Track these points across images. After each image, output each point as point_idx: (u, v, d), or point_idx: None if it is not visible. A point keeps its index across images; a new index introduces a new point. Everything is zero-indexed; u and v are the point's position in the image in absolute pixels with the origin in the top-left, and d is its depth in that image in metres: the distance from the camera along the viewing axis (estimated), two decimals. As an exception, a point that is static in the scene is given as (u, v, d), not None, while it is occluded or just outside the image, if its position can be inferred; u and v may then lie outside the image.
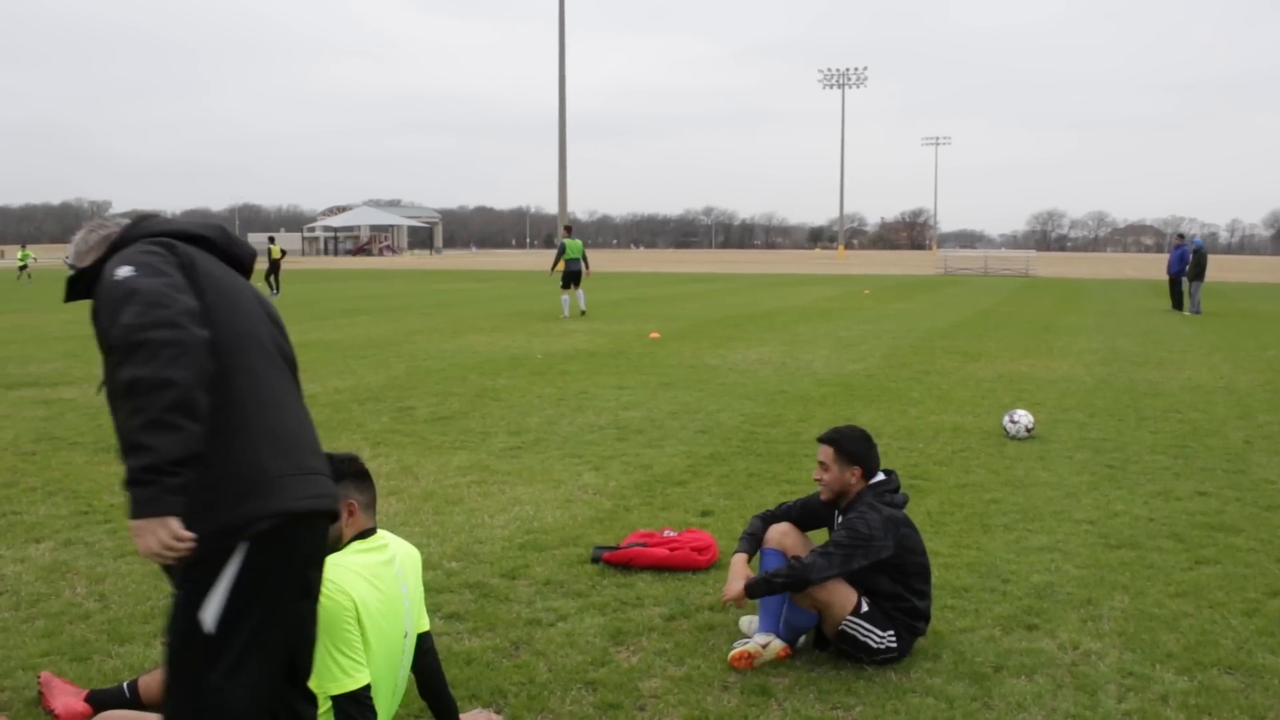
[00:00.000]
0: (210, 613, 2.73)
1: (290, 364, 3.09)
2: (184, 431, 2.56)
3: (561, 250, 24.94)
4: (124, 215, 3.21)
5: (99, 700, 4.07)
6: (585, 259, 25.10)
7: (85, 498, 7.24)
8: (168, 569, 2.80)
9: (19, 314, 26.67)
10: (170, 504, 2.55)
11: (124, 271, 2.73)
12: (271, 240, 37.60)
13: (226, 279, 2.99)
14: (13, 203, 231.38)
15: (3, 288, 40.55)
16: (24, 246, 40.40)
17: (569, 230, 27.16)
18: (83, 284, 2.98)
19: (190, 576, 2.75)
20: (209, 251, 3.02)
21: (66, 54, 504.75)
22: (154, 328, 2.59)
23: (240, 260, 3.14)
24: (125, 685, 4.12)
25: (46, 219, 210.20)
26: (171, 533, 2.56)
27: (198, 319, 2.68)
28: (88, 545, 6.18)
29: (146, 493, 2.54)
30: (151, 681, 4.07)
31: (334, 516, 3.05)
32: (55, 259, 46.24)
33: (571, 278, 24.38)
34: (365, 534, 3.57)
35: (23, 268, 48.17)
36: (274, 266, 35.01)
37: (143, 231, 2.96)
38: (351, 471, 3.56)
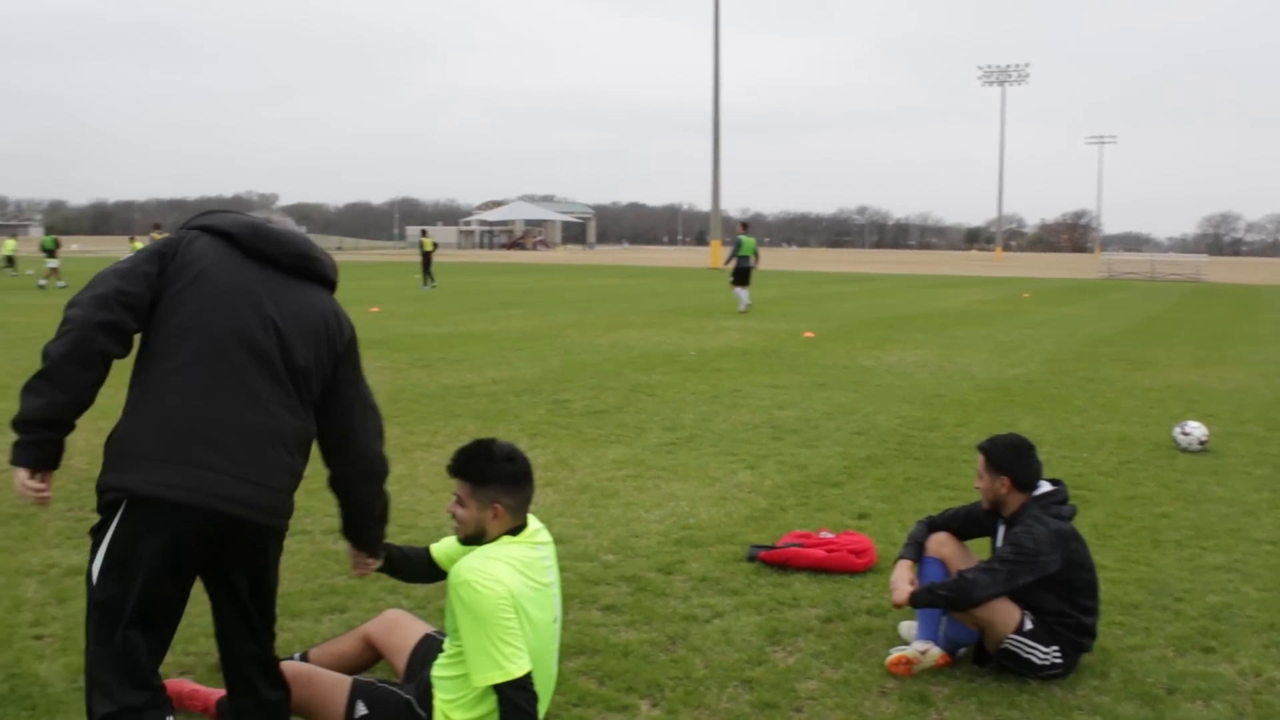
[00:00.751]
0: (94, 568, 3.01)
1: (264, 363, 3.08)
2: (44, 397, 2.92)
3: (737, 246, 25.47)
4: (280, 209, 3.36)
5: (273, 669, 4.25)
6: (757, 256, 25.76)
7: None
8: None
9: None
10: (22, 457, 2.96)
11: None
12: (424, 233, 38.72)
13: (218, 273, 3.10)
14: (190, 194, 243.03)
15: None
16: (133, 239, 41.39)
17: (745, 227, 27.30)
18: None
19: (91, 532, 3.06)
20: (234, 246, 3.15)
21: (239, 48, 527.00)
22: (69, 306, 2.99)
23: (271, 258, 3.19)
24: (297, 656, 4.28)
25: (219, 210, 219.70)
26: (21, 481, 2.96)
27: (118, 302, 2.98)
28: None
29: (14, 444, 2.96)
30: (322, 654, 4.22)
31: (218, 514, 2.97)
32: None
33: (744, 274, 24.69)
34: (516, 530, 3.59)
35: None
36: (427, 259, 36.02)
37: (183, 223, 3.22)
38: (501, 475, 3.54)
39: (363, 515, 3.53)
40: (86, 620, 3.06)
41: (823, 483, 7.70)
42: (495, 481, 3.51)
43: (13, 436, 2.97)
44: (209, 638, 4.67)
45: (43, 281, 32.46)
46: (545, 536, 3.68)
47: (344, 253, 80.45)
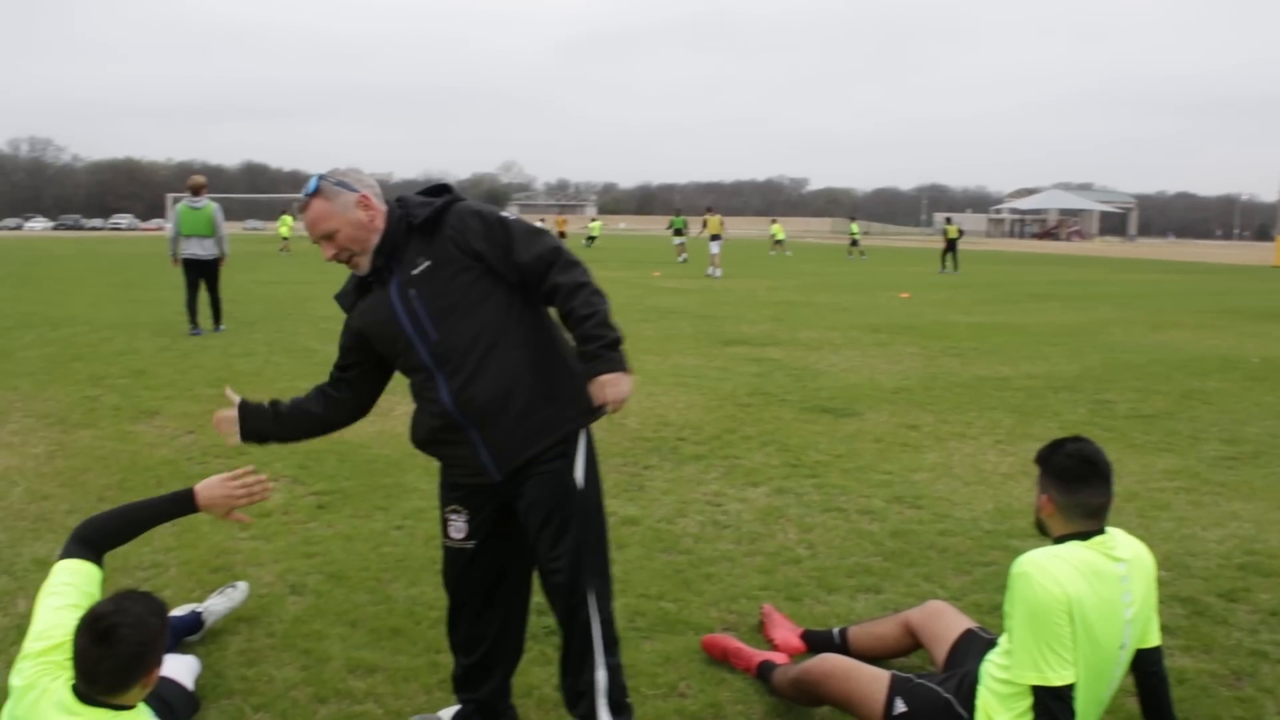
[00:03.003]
0: (582, 473, 3.37)
1: None
2: (616, 330, 3.25)
3: None
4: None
5: (812, 640, 4.35)
6: None
7: (794, 451, 7.80)
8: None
9: (733, 279, 29.51)
10: (626, 366, 3.25)
11: (514, 212, 3.46)
12: (948, 221, 38.13)
13: None
14: (725, 179, 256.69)
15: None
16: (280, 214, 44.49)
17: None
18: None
19: (562, 454, 3.35)
20: None
21: (779, 44, 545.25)
22: (584, 271, 3.32)
23: None
24: (836, 631, 4.35)
25: (753, 194, 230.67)
26: (625, 389, 3.21)
27: None
28: (797, 495, 6.65)
29: (622, 355, 3.21)
30: (861, 634, 4.26)
31: None
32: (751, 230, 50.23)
33: None
34: (1085, 535, 3.37)
35: None
36: (950, 246, 35.44)
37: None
38: (1056, 467, 3.35)
39: None
40: (592, 528, 3.44)
41: None
42: (1049, 473, 3.38)
43: (618, 351, 3.24)
44: (750, 598, 4.92)
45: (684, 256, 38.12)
46: (1126, 553, 3.37)
47: (870, 238, 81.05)
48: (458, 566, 3.56)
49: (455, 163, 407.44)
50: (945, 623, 3.98)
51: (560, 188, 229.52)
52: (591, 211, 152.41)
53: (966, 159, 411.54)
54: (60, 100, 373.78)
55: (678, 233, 42.89)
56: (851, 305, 21.18)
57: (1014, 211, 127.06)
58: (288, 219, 52.41)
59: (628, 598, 4.87)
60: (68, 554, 3.28)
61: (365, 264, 3.30)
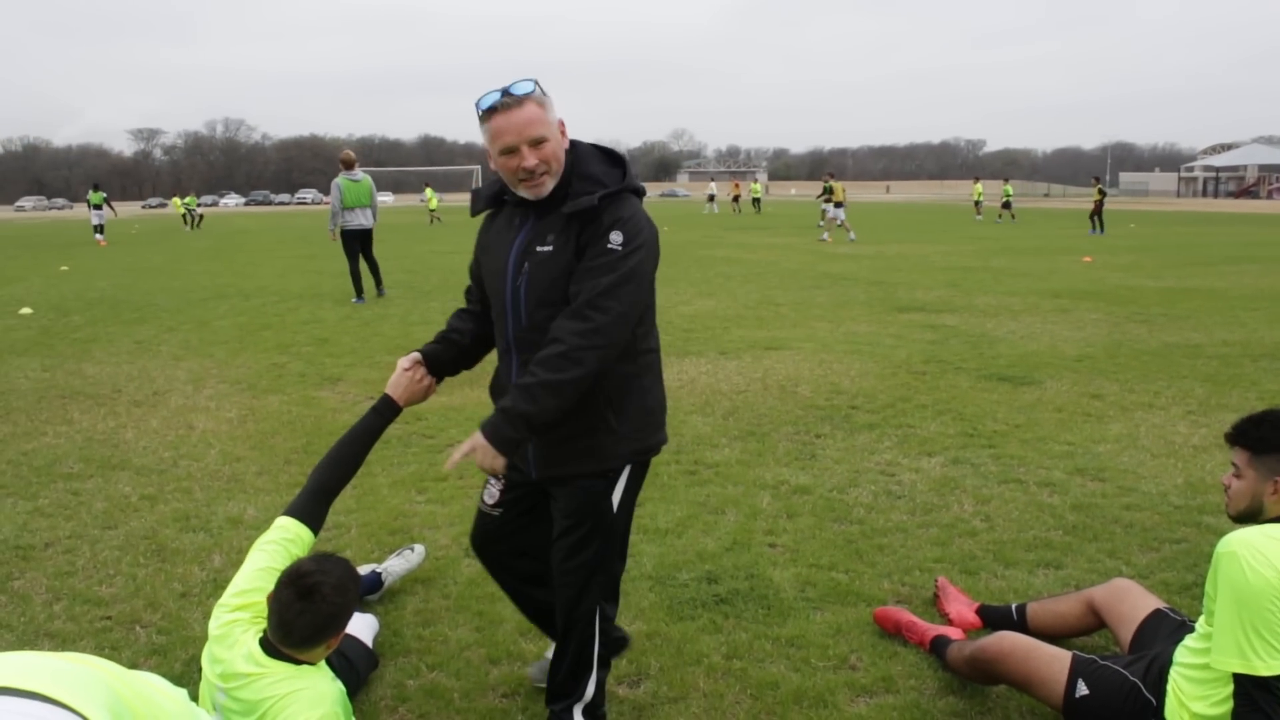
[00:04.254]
0: (620, 500, 3.29)
1: None
2: None
3: None
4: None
5: (989, 616, 4.21)
6: None
7: (971, 420, 7.58)
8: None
9: (906, 244, 28.86)
10: None
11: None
12: (1095, 180, 37.67)
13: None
14: (898, 142, 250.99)
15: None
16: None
17: None
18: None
19: (607, 475, 3.25)
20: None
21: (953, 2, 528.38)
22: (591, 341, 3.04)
23: None
24: (1014, 608, 4.20)
25: (927, 157, 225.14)
26: None
27: None
28: (973, 466, 6.46)
29: (511, 430, 3.03)
30: (1041, 610, 4.10)
31: None
32: (933, 194, 48.92)
33: None
34: None
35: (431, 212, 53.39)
36: (1097, 207, 34.87)
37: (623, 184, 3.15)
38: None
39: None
40: (612, 551, 3.34)
41: None
42: (1270, 450, 3.11)
43: None
44: (924, 571, 4.80)
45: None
46: None
47: (1050, 199, 77.95)
48: (484, 534, 3.58)
49: (626, 132, 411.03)
50: (1132, 602, 3.79)
51: (731, 154, 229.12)
52: (762, 178, 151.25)
53: (1156, 115, 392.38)
54: (254, 80, 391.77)
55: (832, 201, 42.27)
56: (1031, 270, 20.44)
57: (1207, 169, 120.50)
58: (430, 191, 56.24)
59: (799, 567, 4.83)
60: (293, 511, 3.37)
61: (549, 185, 3.07)
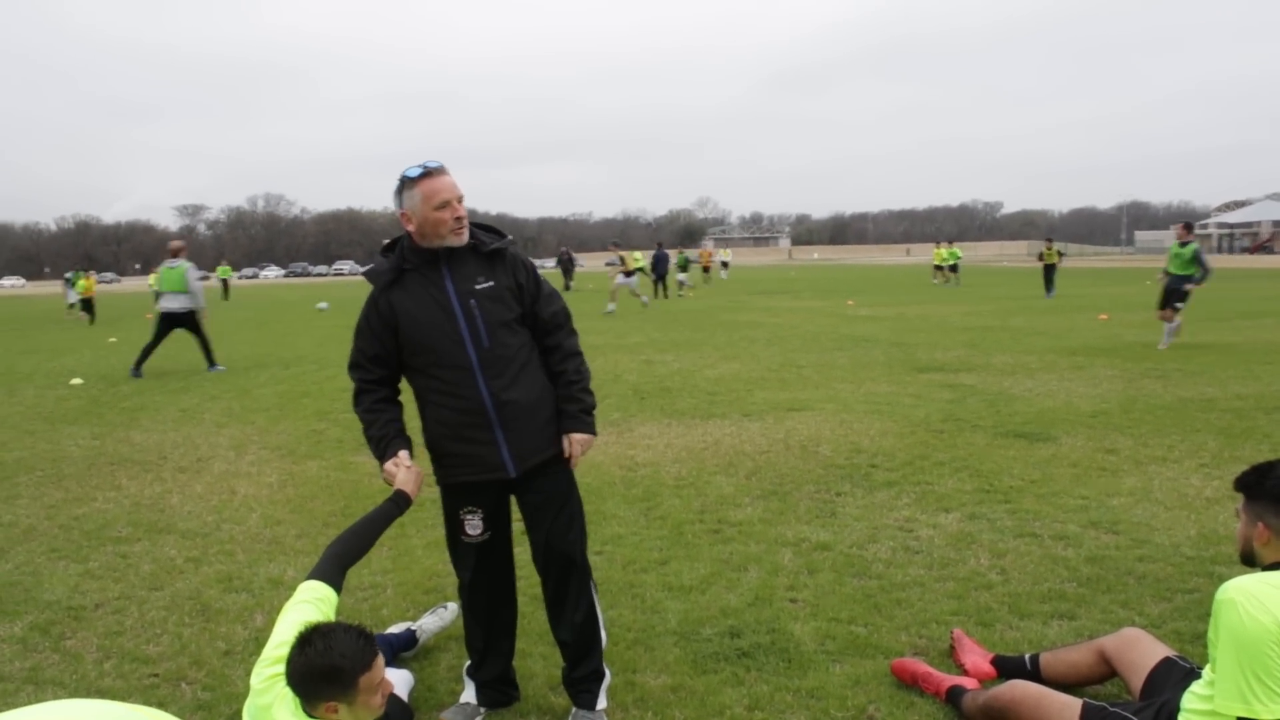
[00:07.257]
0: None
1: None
2: None
3: None
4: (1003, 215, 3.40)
5: (1003, 666, 4.30)
6: None
7: (987, 477, 7.73)
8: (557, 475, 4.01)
9: (927, 305, 29.08)
10: None
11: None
12: (1049, 241, 36.93)
13: None
14: (918, 205, 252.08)
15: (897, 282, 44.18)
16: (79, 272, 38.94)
17: None
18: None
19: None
20: None
21: (970, 68, 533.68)
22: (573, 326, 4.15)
23: None
24: (1028, 657, 4.32)
25: (946, 220, 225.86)
26: None
27: None
28: (990, 521, 6.60)
29: (594, 421, 4.04)
30: (1054, 660, 4.22)
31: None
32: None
33: None
34: None
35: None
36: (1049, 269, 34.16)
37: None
38: (1273, 492, 3.22)
39: None
40: (582, 519, 4.12)
41: None
42: (1265, 497, 3.26)
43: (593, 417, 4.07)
44: (941, 623, 4.93)
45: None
46: None
47: (1068, 259, 78.18)
48: (477, 558, 4.09)
49: (651, 199, 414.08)
50: (1142, 650, 3.90)
51: (754, 221, 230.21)
52: (785, 243, 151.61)
53: (1169, 174, 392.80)
54: (294, 156, 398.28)
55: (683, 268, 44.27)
56: (1048, 328, 20.60)
57: (1222, 225, 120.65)
58: None
59: (819, 621, 4.97)
60: (318, 574, 3.60)
61: (467, 234, 3.82)
